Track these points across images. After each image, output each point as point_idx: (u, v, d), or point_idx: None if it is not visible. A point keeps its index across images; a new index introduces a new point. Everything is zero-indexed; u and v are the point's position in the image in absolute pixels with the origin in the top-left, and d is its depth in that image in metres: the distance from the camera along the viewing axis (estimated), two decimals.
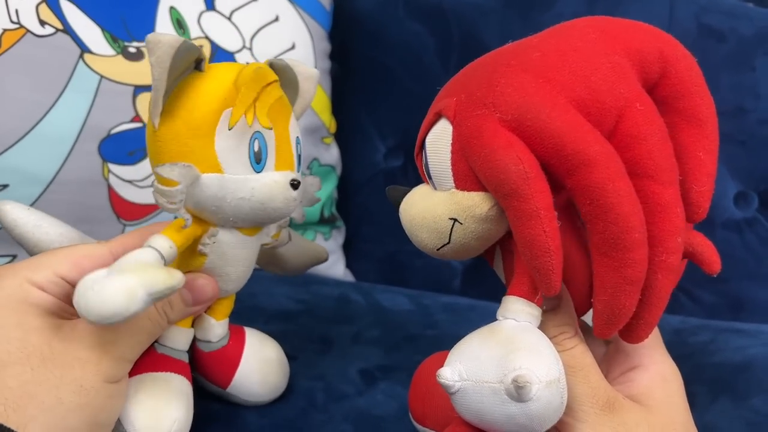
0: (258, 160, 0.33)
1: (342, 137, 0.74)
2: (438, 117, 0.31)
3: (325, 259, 0.45)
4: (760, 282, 0.63)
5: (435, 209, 0.31)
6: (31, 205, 0.51)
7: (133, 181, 0.56)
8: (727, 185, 0.64)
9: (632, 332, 0.30)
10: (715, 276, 0.33)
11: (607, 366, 0.33)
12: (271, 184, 0.33)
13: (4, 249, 0.52)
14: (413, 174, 0.73)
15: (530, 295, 0.30)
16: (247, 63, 0.35)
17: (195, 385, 0.37)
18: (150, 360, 0.35)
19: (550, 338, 0.30)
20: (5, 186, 0.50)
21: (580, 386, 0.29)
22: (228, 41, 0.61)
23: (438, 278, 0.70)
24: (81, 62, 0.53)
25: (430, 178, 0.32)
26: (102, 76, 0.54)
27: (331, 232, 0.72)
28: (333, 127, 0.71)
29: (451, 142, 0.30)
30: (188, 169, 0.31)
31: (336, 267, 0.71)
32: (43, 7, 0.52)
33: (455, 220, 0.30)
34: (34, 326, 0.29)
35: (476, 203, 0.29)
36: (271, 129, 0.33)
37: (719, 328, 0.56)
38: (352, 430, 0.40)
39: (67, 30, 0.53)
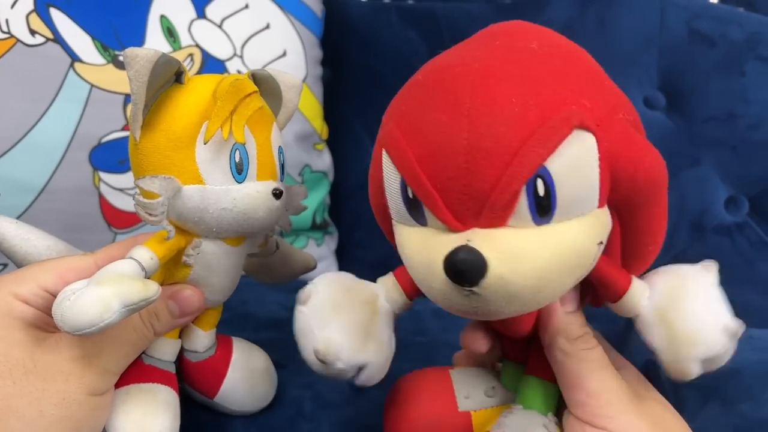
0: (239, 171, 0.33)
1: (334, 143, 0.74)
2: (570, 131, 0.24)
3: (314, 267, 0.45)
4: (751, 286, 0.62)
5: (578, 244, 0.26)
6: (22, 213, 0.51)
7: (123, 189, 0.56)
8: (718, 190, 0.64)
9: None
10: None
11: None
12: (253, 194, 0.33)
13: None
14: None
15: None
16: (227, 74, 0.35)
17: (182, 394, 0.37)
18: (137, 371, 0.35)
19: (575, 338, 0.30)
20: None
21: (612, 380, 0.30)
22: (219, 49, 0.61)
23: None
24: (71, 71, 0.54)
25: (544, 212, 0.25)
26: (92, 85, 0.54)
27: (323, 237, 0.72)
28: (325, 134, 0.72)
29: (598, 156, 0.25)
30: (169, 181, 0.31)
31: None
32: (34, 17, 0.53)
33: (602, 242, 0.27)
34: (17, 339, 0.29)
35: (609, 216, 0.27)
36: (244, 144, 0.33)
37: None
38: None
39: (58, 39, 0.53)
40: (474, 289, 0.24)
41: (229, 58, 0.61)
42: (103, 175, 0.55)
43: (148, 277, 0.31)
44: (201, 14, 0.61)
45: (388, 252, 0.72)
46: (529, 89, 0.24)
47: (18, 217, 0.51)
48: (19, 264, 0.35)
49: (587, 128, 0.25)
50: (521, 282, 0.24)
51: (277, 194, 0.34)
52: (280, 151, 0.36)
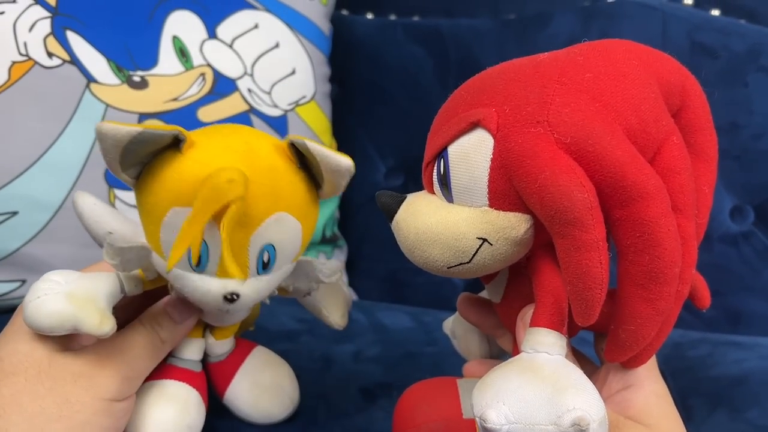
0: (196, 263, 0.31)
1: None
2: (473, 126, 0.28)
3: (350, 301, 0.43)
4: (757, 294, 0.63)
5: (458, 226, 0.29)
6: (41, 230, 0.53)
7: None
8: (723, 200, 0.65)
9: (637, 358, 0.30)
10: (704, 310, 0.33)
11: (601, 386, 0.33)
12: (204, 291, 0.31)
13: (14, 274, 0.54)
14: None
15: (559, 326, 0.28)
16: (222, 169, 0.29)
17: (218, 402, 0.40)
18: (157, 371, 0.36)
19: None
20: (15, 213, 0.52)
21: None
22: (229, 68, 0.62)
23: (439, 295, 0.71)
24: (87, 92, 0.55)
25: (446, 188, 0.30)
26: (108, 105, 0.56)
27: (333, 251, 0.72)
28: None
29: (491, 157, 0.28)
30: (138, 249, 0.32)
31: None
32: (51, 39, 0.54)
33: (485, 240, 0.28)
34: (43, 343, 0.31)
35: (512, 225, 0.28)
36: (204, 241, 0.30)
37: (718, 341, 0.56)
38: None
39: (74, 61, 0.55)
40: (392, 224, 0.32)
41: (240, 77, 0.63)
42: (118, 192, 0.56)
43: (127, 294, 0.33)
44: (212, 34, 0.62)
45: (396, 265, 0.73)
46: (479, 92, 0.29)
47: (36, 234, 0.53)
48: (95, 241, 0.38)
49: (487, 129, 0.28)
50: (405, 233, 0.30)
51: (229, 298, 0.31)
52: (267, 248, 0.32)
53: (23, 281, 0.54)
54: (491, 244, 0.28)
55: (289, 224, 0.32)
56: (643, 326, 0.27)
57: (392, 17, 0.79)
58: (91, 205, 0.37)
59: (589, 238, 0.25)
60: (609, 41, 0.29)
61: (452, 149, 0.29)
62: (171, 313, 0.36)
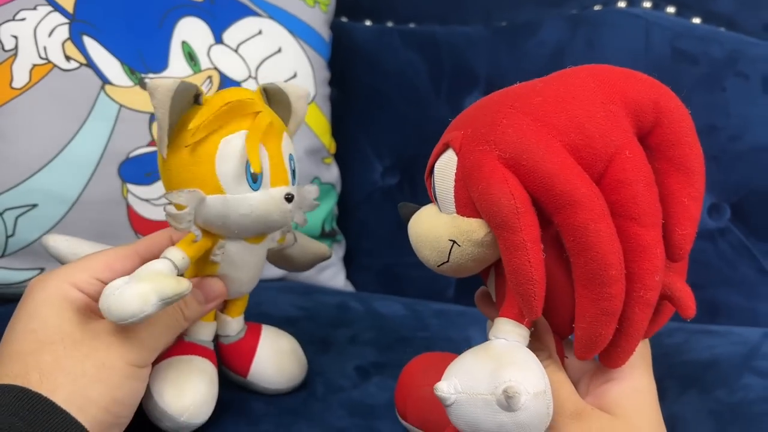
0: (255, 180, 0.37)
1: (341, 157, 0.76)
2: (446, 147, 0.33)
3: (329, 257, 0.48)
4: (733, 287, 0.64)
5: (438, 230, 0.33)
6: (58, 222, 0.55)
7: (149, 199, 0.59)
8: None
9: (611, 358, 0.32)
10: (688, 320, 0.33)
11: (588, 380, 0.35)
12: (267, 200, 0.37)
13: (33, 263, 0.56)
14: (408, 191, 0.77)
15: (519, 317, 0.31)
16: (241, 88, 0.38)
17: (223, 378, 0.42)
18: (178, 347, 0.40)
19: None
20: (35, 205, 0.55)
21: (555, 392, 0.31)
22: (235, 71, 0.64)
23: (433, 288, 0.72)
24: (102, 93, 0.58)
25: (436, 200, 0.34)
26: (121, 105, 0.58)
27: (332, 245, 0.74)
28: (333, 149, 0.74)
29: (455, 171, 0.32)
30: (194, 193, 0.36)
31: (337, 278, 0.73)
32: (69, 44, 0.57)
33: (454, 241, 0.32)
34: (70, 317, 0.34)
35: (473, 228, 0.31)
36: (260, 173, 0.37)
37: (693, 330, 0.57)
38: (348, 415, 0.44)
39: (90, 64, 0.58)
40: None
41: (245, 80, 0.65)
42: (131, 187, 0.59)
43: (180, 274, 0.36)
44: (219, 40, 0.64)
45: (392, 259, 0.76)
46: (459, 118, 0.34)
47: (54, 226, 0.55)
48: None
49: (453, 148, 0.32)
50: (411, 236, 0.35)
51: (289, 198, 0.38)
52: (291, 158, 0.40)
53: (42, 269, 0.57)
54: (459, 245, 0.32)
55: (291, 142, 0.40)
56: (593, 325, 0.30)
57: (389, 24, 0.80)
58: (63, 241, 0.41)
59: (517, 239, 0.29)
60: (582, 67, 0.32)
61: (436, 166, 0.33)
62: (197, 295, 0.39)
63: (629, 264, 0.29)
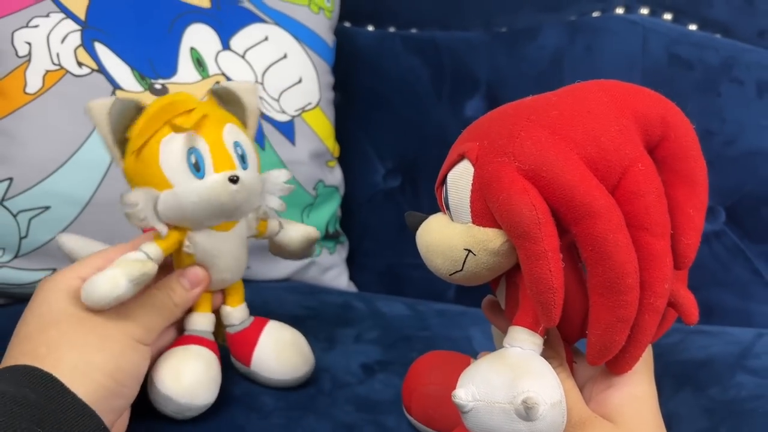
0: (197, 169, 0.39)
1: (344, 160, 0.77)
2: (461, 158, 0.33)
3: (318, 237, 0.50)
4: (727, 289, 0.65)
5: (451, 239, 0.33)
6: (71, 223, 0.57)
7: None
8: None
9: (618, 364, 0.33)
10: (691, 326, 0.34)
11: (591, 386, 0.35)
12: (212, 185, 0.39)
13: (46, 263, 0.58)
14: (410, 193, 0.78)
15: (534, 326, 0.32)
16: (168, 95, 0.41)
17: (233, 372, 0.45)
18: (178, 341, 0.43)
19: None
20: (48, 207, 0.56)
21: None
22: (242, 77, 0.65)
23: (434, 289, 0.73)
24: None
25: (448, 209, 0.34)
26: None
27: (335, 246, 0.75)
28: (336, 152, 0.75)
29: (471, 182, 0.32)
30: (147, 192, 0.39)
31: (340, 279, 0.74)
32: (81, 50, 0.58)
33: (469, 251, 0.32)
34: (73, 302, 0.37)
35: (490, 238, 0.31)
36: (197, 147, 0.39)
37: (688, 330, 0.58)
38: (354, 410, 0.45)
39: (101, 70, 0.59)
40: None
41: None
42: None
43: (153, 260, 0.39)
44: (226, 46, 0.66)
45: (394, 260, 0.77)
46: (472, 130, 0.34)
47: (67, 227, 0.57)
48: None
49: (469, 159, 0.33)
50: (420, 246, 0.35)
51: (233, 180, 0.39)
52: (236, 144, 0.41)
53: (54, 269, 0.58)
54: (475, 255, 0.32)
55: (240, 132, 0.42)
56: (608, 332, 0.30)
57: (391, 30, 0.81)
58: (76, 240, 0.45)
59: (538, 249, 0.29)
60: (592, 82, 0.33)
61: (450, 176, 0.34)
62: (182, 282, 0.42)
63: (641, 272, 0.30)
